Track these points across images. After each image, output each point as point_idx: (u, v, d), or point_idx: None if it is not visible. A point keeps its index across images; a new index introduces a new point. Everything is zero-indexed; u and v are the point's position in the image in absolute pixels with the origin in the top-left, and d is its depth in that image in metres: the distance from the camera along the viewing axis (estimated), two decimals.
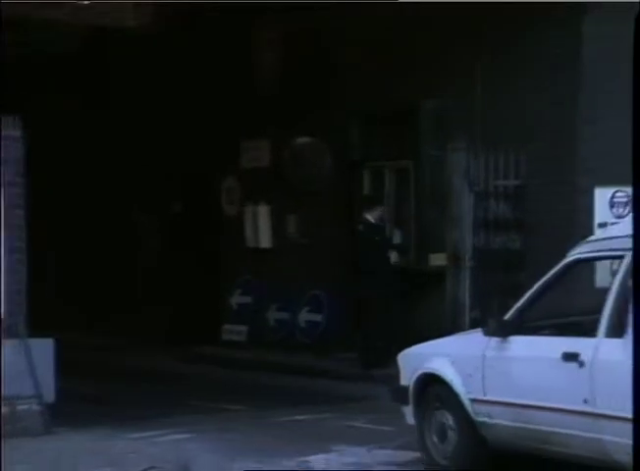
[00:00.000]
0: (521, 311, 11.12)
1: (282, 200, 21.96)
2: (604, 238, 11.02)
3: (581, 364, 10.06)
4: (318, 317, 20.79)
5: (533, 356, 10.80)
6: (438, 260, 17.53)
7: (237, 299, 22.58)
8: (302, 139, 21.20)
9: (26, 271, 13.66)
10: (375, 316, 18.64)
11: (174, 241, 24.13)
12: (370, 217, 19.39)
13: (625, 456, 9.66)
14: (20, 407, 13.16)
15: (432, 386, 11.66)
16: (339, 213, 20.52)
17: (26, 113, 14.00)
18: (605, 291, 10.51)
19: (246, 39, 21.57)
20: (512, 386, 10.90)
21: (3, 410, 12.99)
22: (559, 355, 10.28)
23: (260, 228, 22.49)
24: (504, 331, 10.99)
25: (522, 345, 10.90)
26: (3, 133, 13.40)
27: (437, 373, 11.57)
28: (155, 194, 24.46)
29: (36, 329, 13.72)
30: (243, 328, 22.11)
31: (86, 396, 14.88)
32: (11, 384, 13.02)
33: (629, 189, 15.06)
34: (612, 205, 15.67)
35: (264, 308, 21.78)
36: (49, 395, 13.32)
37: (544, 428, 10.52)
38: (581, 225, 16.49)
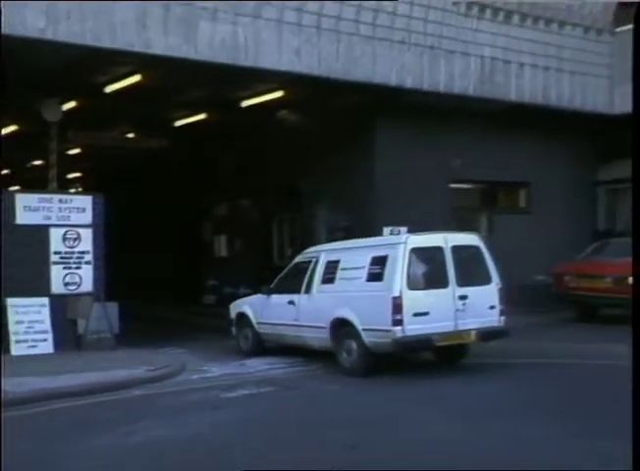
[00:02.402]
0: (276, 283, 12.06)
1: (233, 233, 21.76)
2: (311, 252, 11.77)
3: (295, 305, 11.25)
4: (251, 291, 20.39)
5: (278, 302, 11.80)
6: None
7: (210, 282, 22.08)
8: (242, 202, 21.03)
9: (104, 269, 13.48)
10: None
11: (181, 257, 23.51)
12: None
13: (312, 342, 10.93)
14: (102, 335, 12.98)
15: (242, 317, 12.64)
16: (261, 240, 20.25)
17: (107, 191, 14.03)
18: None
19: (215, 157, 21.17)
20: (271, 315, 11.93)
21: (95, 337, 12.92)
22: (287, 301, 11.45)
23: (221, 246, 22.37)
24: (269, 292, 12.07)
25: (275, 298, 11.93)
26: (95, 200, 13.41)
27: (244, 311, 12.60)
28: (173, 236, 23.66)
29: (114, 295, 13.59)
30: (213, 297, 21.59)
31: (135, 330, 14.12)
32: (96, 324, 12.97)
33: (400, 228, 14.64)
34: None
35: (223, 286, 21.24)
36: (115, 330, 13.17)
37: (282, 332, 11.67)
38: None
